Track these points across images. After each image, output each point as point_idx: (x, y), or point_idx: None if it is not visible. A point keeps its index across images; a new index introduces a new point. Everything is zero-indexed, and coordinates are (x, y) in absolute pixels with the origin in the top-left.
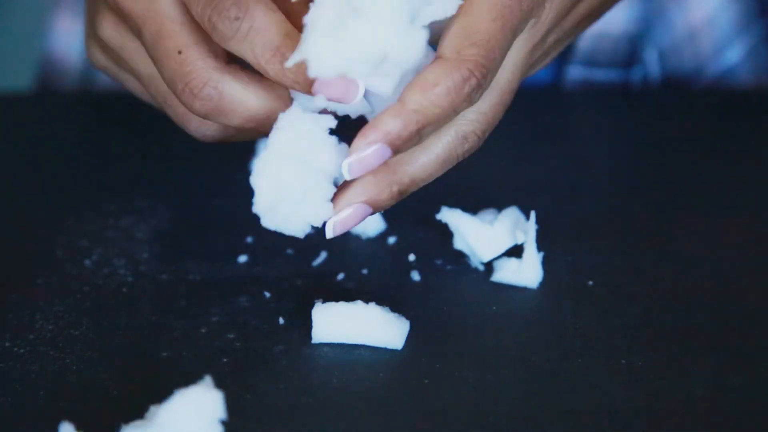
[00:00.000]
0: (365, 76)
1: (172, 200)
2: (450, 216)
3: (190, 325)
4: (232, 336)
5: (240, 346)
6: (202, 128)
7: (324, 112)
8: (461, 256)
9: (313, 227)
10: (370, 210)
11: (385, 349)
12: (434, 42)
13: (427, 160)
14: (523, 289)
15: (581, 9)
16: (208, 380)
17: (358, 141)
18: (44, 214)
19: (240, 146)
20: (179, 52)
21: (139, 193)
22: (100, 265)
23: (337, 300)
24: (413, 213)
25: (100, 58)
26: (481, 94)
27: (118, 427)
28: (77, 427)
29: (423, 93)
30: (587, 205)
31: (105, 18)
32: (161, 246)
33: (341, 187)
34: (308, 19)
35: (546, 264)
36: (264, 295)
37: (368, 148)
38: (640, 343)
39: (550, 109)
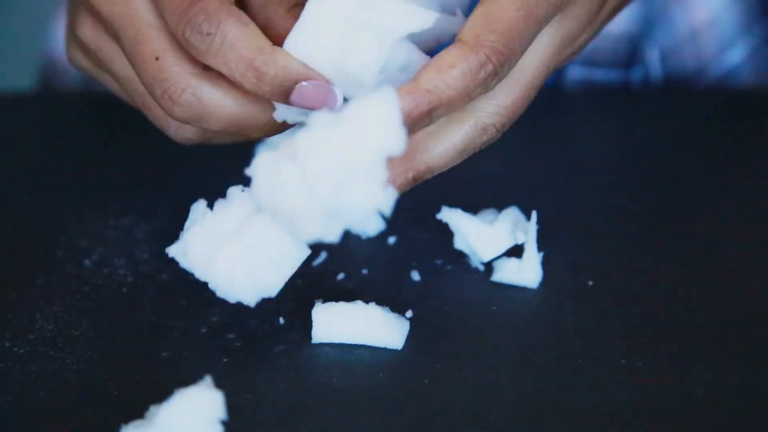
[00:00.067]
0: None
1: (172, 200)
2: (450, 216)
3: (190, 325)
4: (232, 336)
5: (240, 346)
6: (181, 131)
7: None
8: (461, 256)
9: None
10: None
11: (385, 349)
12: (426, 50)
13: (444, 149)
14: (523, 289)
15: (609, 6)
16: (208, 380)
17: None
18: (44, 214)
19: (240, 147)
20: (156, 58)
21: (139, 193)
22: (100, 265)
23: (337, 300)
24: (413, 213)
25: (80, 59)
26: (498, 81)
27: (118, 427)
28: (77, 427)
29: (438, 74)
30: (587, 205)
31: (84, 19)
32: (161, 246)
33: None
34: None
35: (546, 264)
36: None
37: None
38: (640, 343)
39: (550, 109)
